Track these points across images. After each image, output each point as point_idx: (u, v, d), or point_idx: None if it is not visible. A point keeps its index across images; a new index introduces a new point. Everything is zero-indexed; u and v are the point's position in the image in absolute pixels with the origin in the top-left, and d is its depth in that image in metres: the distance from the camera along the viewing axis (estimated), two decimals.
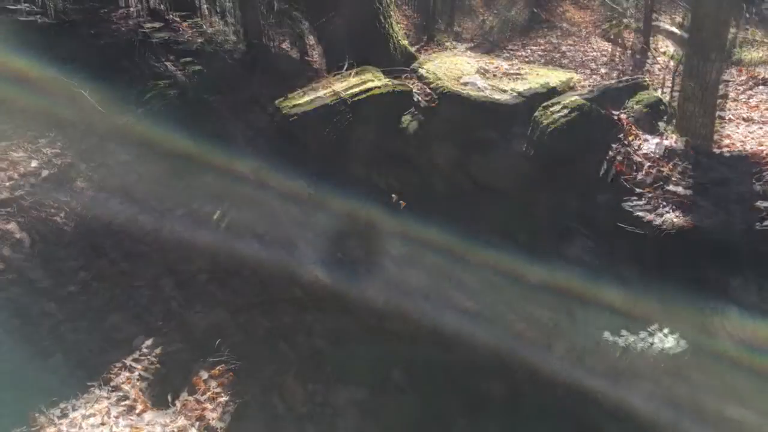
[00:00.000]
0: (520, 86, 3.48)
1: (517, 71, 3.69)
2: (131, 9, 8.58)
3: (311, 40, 12.36)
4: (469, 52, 4.46)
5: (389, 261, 4.00)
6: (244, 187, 4.82)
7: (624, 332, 2.55)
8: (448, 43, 15.01)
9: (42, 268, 4.44)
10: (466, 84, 3.58)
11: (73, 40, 7.84)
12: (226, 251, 4.37)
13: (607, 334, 2.59)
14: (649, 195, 2.73)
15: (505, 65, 3.83)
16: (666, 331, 2.43)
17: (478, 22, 17.62)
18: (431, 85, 3.74)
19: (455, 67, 3.86)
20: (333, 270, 4.05)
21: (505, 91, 3.43)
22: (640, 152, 2.98)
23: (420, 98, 4.14)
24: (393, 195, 4.30)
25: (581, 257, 2.95)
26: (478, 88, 3.53)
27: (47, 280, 4.33)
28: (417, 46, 13.58)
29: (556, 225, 3.19)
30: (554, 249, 3.16)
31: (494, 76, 3.67)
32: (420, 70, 3.94)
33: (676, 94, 4.93)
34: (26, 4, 10.75)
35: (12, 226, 4.85)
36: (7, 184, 5.57)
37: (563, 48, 12.89)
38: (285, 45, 11.35)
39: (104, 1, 10.73)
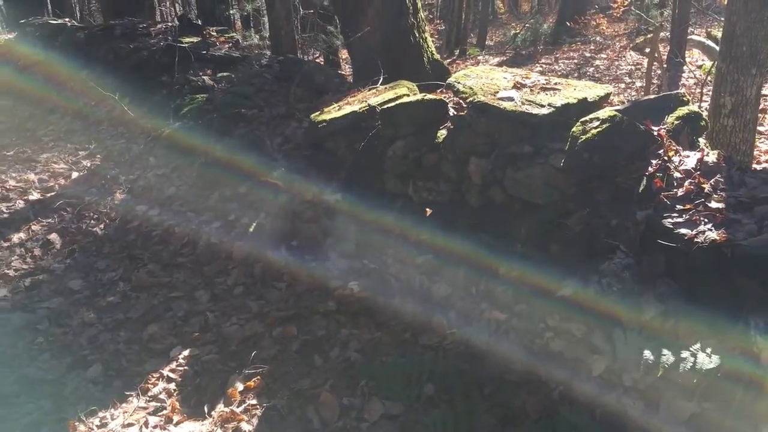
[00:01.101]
0: (557, 101, 3.46)
1: (554, 86, 3.67)
2: (169, 24, 8.79)
3: (344, 53, 12.51)
4: (506, 67, 4.45)
5: (421, 273, 4.00)
6: (278, 199, 4.87)
7: (665, 351, 2.51)
8: (479, 57, 15.07)
9: (82, 279, 4.54)
10: (502, 99, 3.56)
11: (113, 53, 8.05)
12: (262, 263, 4.41)
13: (647, 353, 2.55)
14: (690, 212, 2.69)
15: (541, 80, 3.80)
16: (708, 350, 2.38)
17: (509, 35, 17.65)
18: (467, 100, 3.74)
19: (492, 82, 3.85)
20: (366, 283, 4.06)
21: (542, 106, 3.41)
22: (680, 168, 2.93)
23: (455, 112, 4.14)
24: (426, 208, 4.30)
25: (618, 273, 2.90)
26: (515, 102, 3.51)
27: (87, 290, 4.43)
28: (449, 60, 13.67)
29: (592, 240, 3.15)
30: (590, 264, 3.11)
31: (531, 90, 3.65)
32: (456, 84, 3.93)
33: (713, 108, 4.88)
34: (68, 19, 11.06)
35: (53, 236, 4.97)
36: (48, 195, 5.72)
37: (596, 61, 12.88)
38: (318, 58, 11.48)
39: (143, 16, 11.00)
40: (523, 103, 3.50)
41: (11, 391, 3.42)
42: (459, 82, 3.96)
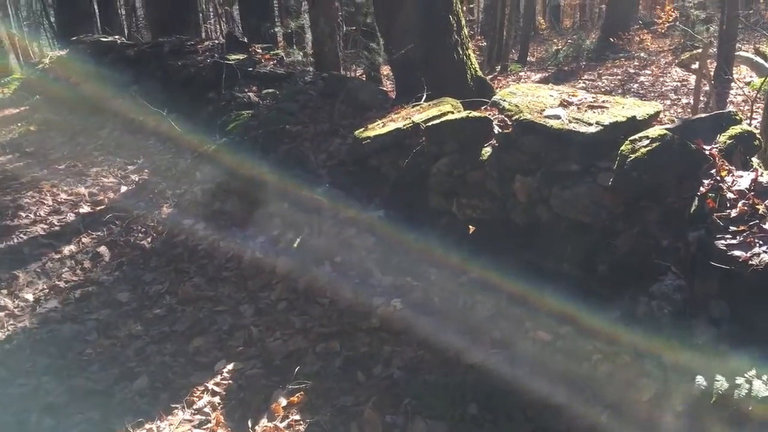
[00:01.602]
0: (605, 119, 3.42)
1: (602, 104, 3.63)
2: (216, 41, 8.97)
3: (385, 69, 12.56)
4: (552, 85, 4.42)
5: (464, 292, 3.98)
6: (321, 215, 4.90)
7: (718, 377, 2.44)
8: (521, 73, 15.01)
9: (129, 291, 4.63)
10: (549, 117, 3.54)
11: (161, 70, 8.23)
12: (305, 279, 4.44)
13: (699, 379, 2.48)
14: (744, 233, 2.62)
15: (589, 98, 3.77)
16: (764, 377, 2.31)
17: (551, 51, 17.55)
18: (513, 118, 3.72)
19: (537, 100, 3.83)
20: (409, 300, 4.05)
21: (589, 124, 3.38)
22: (733, 188, 2.87)
23: (500, 130, 4.13)
24: (469, 225, 4.29)
25: (670, 295, 2.85)
26: (562, 120, 3.48)
27: (134, 302, 4.50)
28: (490, 76, 13.63)
29: (641, 261, 3.10)
30: (639, 285, 3.06)
31: (578, 108, 3.62)
32: (501, 102, 3.92)
33: (765, 126, 4.77)
34: (117, 37, 11.35)
35: (102, 249, 5.08)
36: (98, 208, 5.85)
37: (641, 77, 12.71)
38: (360, 75, 11.56)
39: (189, 33, 11.22)
40: (570, 121, 3.47)
41: (61, 401, 3.49)
42: (504, 100, 3.95)
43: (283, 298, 4.37)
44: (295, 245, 4.73)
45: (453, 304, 3.93)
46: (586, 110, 3.60)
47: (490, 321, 3.71)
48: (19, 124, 9.39)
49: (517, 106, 3.80)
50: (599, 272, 3.27)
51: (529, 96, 3.96)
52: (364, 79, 11.08)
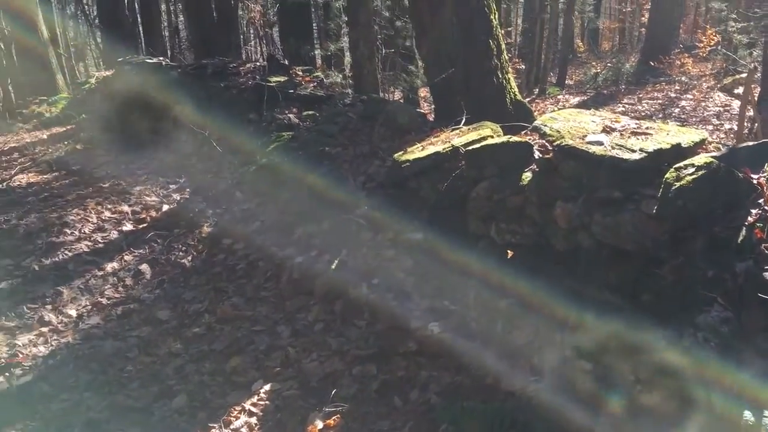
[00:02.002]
0: (649, 146, 3.38)
1: (646, 130, 3.59)
2: (258, 63, 9.12)
3: (423, 91, 12.62)
4: (594, 110, 4.39)
5: (503, 317, 3.94)
6: (360, 236, 4.92)
7: (767, 413, 2.37)
8: (560, 96, 14.93)
9: (170, 309, 4.69)
10: (591, 143, 3.51)
11: (204, 91, 8.39)
12: (342, 300, 4.45)
13: (747, 414, 2.42)
14: None
15: (632, 124, 3.73)
16: None
17: (590, 74, 17.43)
18: (554, 143, 3.70)
19: (579, 126, 3.80)
20: (447, 324, 4.03)
21: (633, 151, 3.34)
22: None
23: (541, 155, 4.11)
24: (508, 250, 4.26)
25: (716, 327, 2.78)
26: (604, 146, 3.45)
27: (174, 320, 4.56)
28: (528, 99, 13.58)
29: (686, 291, 3.04)
30: (684, 316, 3.00)
31: (621, 135, 3.58)
32: (542, 127, 3.90)
33: None
34: (162, 58, 11.62)
35: (144, 267, 5.16)
36: (141, 227, 5.95)
37: (682, 102, 12.54)
38: (398, 97, 11.63)
39: (231, 55, 11.43)
40: (612, 148, 3.44)
41: (102, 417, 3.55)
42: (545, 125, 3.93)
43: (321, 320, 4.38)
44: (333, 267, 4.75)
45: (491, 328, 3.90)
46: (629, 137, 3.56)
47: (530, 347, 3.67)
48: (66, 143, 9.64)
49: (558, 131, 3.78)
50: (643, 301, 3.21)
51: (570, 121, 3.93)
52: (401, 101, 11.15)
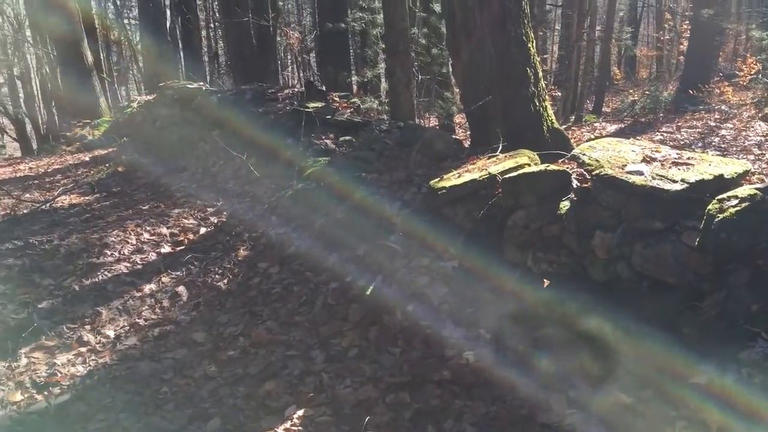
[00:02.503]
0: (690, 176, 3.33)
1: (687, 161, 3.54)
2: (295, 89, 9.25)
3: (458, 118, 12.65)
4: (633, 139, 4.36)
5: (539, 347, 3.89)
6: (395, 262, 4.92)
7: None
8: (596, 124, 14.82)
9: (205, 332, 4.72)
10: (631, 172, 3.48)
11: (243, 116, 8.53)
12: (377, 327, 4.44)
13: None
14: None
15: (673, 154, 3.69)
16: None
17: (627, 102, 17.29)
18: (593, 172, 3.67)
19: (619, 155, 3.77)
20: (482, 353, 3.99)
21: (674, 181, 3.29)
22: None
23: (579, 184, 4.08)
24: (544, 279, 4.22)
25: (760, 363, 2.72)
26: (644, 176, 3.41)
27: (209, 343, 4.59)
28: (564, 126, 13.51)
29: (729, 325, 2.98)
30: (727, 351, 2.93)
31: (662, 165, 3.54)
32: (581, 156, 3.88)
33: None
34: (202, 83, 11.87)
35: (181, 289, 5.21)
36: (178, 249, 6.03)
37: (722, 131, 12.32)
38: (433, 123, 11.68)
39: (269, 81, 11.62)
40: (653, 178, 3.40)
41: None
42: (584, 154, 3.91)
43: (355, 345, 4.37)
44: (368, 293, 4.74)
45: (527, 359, 3.85)
46: (670, 167, 3.52)
47: (566, 379, 3.61)
48: (107, 165, 9.86)
49: (597, 160, 3.75)
50: (684, 334, 3.15)
51: (609, 150, 3.90)
52: (437, 127, 11.19)
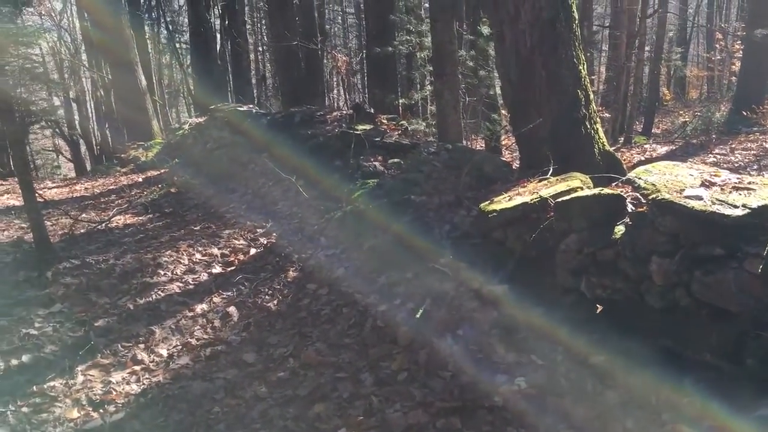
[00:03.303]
0: (752, 201, 3.24)
1: (748, 185, 3.45)
2: (344, 112, 9.35)
3: (505, 139, 12.59)
4: (691, 163, 4.28)
5: (593, 375, 3.82)
6: (443, 286, 4.90)
7: None
8: (646, 145, 14.58)
9: (255, 352, 4.75)
10: (689, 197, 3.41)
11: (292, 138, 8.65)
12: (426, 350, 4.41)
13: None
14: None
15: (733, 178, 3.60)
16: None
17: (677, 123, 16.98)
18: (650, 197, 3.60)
19: (676, 179, 3.70)
20: (534, 380, 3.93)
21: (735, 207, 3.21)
22: None
23: (634, 208, 4.01)
24: (597, 305, 4.14)
25: None
26: (704, 201, 3.34)
27: (260, 364, 4.62)
28: (613, 148, 13.31)
29: None
30: None
31: (721, 189, 3.46)
32: (637, 180, 3.82)
33: None
34: (251, 105, 12.08)
35: (232, 309, 5.27)
36: (229, 270, 6.12)
37: None
38: (480, 144, 11.65)
39: (316, 103, 11.76)
40: (713, 203, 3.32)
41: None
42: (640, 178, 3.85)
43: (404, 369, 4.34)
44: (417, 316, 4.73)
45: (581, 387, 3.78)
46: (730, 191, 3.43)
47: (622, 408, 3.52)
48: (160, 186, 10.09)
49: (653, 184, 3.69)
50: (748, 365, 3.05)
51: (666, 174, 3.83)
52: (483, 149, 11.16)
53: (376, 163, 6.91)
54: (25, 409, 4.11)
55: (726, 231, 3.26)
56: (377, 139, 7.40)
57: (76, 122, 31.16)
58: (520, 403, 3.77)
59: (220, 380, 4.44)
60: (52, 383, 4.39)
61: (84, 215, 8.64)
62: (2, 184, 12.77)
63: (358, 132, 7.43)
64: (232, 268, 6.26)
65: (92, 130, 30.77)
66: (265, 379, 4.43)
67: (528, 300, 4.45)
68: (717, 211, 3.26)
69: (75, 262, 6.41)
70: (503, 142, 13.01)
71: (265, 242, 6.88)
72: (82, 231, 7.78)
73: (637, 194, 3.95)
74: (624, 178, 4.16)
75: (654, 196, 3.60)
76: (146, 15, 24.42)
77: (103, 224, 7.89)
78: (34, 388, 4.33)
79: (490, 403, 3.82)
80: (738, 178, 3.61)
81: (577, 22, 6.02)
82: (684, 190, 3.55)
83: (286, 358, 4.67)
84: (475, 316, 4.57)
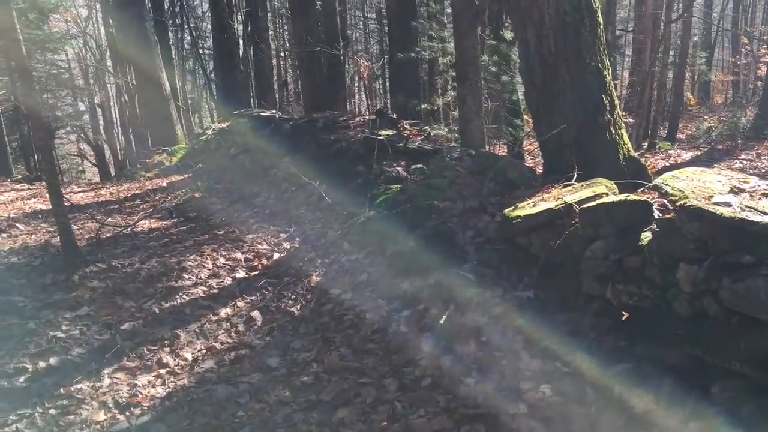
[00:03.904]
0: None
1: None
2: (367, 117, 9.38)
3: (527, 144, 12.55)
4: (719, 169, 4.23)
5: (619, 382, 3.78)
6: (467, 292, 4.88)
7: None
8: (671, 151, 14.45)
9: (279, 357, 4.77)
10: (718, 203, 3.37)
11: (314, 143, 8.69)
12: (450, 356, 4.40)
13: None
14: None
15: (762, 184, 3.56)
16: None
17: (702, 129, 16.81)
18: (677, 203, 3.57)
19: (704, 185, 3.67)
20: (559, 387, 3.90)
21: (765, 213, 3.17)
22: None
23: (660, 215, 3.98)
24: (623, 312, 4.10)
25: None
26: (733, 208, 3.30)
27: (283, 368, 4.63)
28: (637, 153, 13.19)
29: None
30: None
31: (751, 196, 3.42)
32: (664, 186, 3.79)
33: None
34: (275, 111, 12.15)
35: (255, 313, 5.30)
36: (252, 274, 6.15)
37: None
38: (501, 150, 11.61)
39: (337, 109, 11.80)
40: (742, 209, 3.28)
41: None
42: (667, 184, 3.82)
43: (428, 375, 4.33)
44: (441, 321, 4.72)
45: (607, 394, 3.74)
46: (760, 198, 3.40)
47: (648, 417, 3.49)
48: (184, 191, 10.18)
49: (681, 191, 3.65)
50: None
51: (694, 180, 3.80)
52: (505, 154, 11.13)
53: (399, 169, 6.92)
54: (52, 411, 4.16)
55: (756, 238, 3.22)
56: (400, 144, 7.41)
57: (101, 127, 31.62)
58: (545, 410, 3.74)
59: (245, 384, 4.46)
60: (79, 385, 4.44)
61: (110, 219, 8.75)
62: (29, 189, 12.96)
63: (381, 137, 7.44)
64: (256, 272, 6.30)
65: (116, 135, 31.17)
66: (289, 384, 4.44)
67: (552, 306, 4.43)
68: (746, 218, 3.22)
69: (101, 266, 6.48)
70: (526, 148, 12.96)
71: (288, 247, 6.91)
72: (108, 235, 7.88)
73: (664, 200, 3.92)
74: (651, 184, 4.12)
75: (682, 202, 3.56)
76: (170, 21, 24.72)
77: (129, 228, 7.98)
78: (62, 390, 4.38)
79: (514, 410, 3.80)
80: None
81: (602, 26, 5.99)
82: (712, 196, 3.51)
83: (310, 363, 4.68)
84: (499, 322, 4.55)
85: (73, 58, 29.91)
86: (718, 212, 3.33)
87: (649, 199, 4.18)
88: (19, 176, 15.65)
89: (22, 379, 4.55)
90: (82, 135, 31.70)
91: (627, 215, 4.11)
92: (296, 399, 4.25)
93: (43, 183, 12.00)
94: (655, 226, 3.91)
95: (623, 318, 4.09)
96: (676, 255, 3.61)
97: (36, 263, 6.80)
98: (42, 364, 4.72)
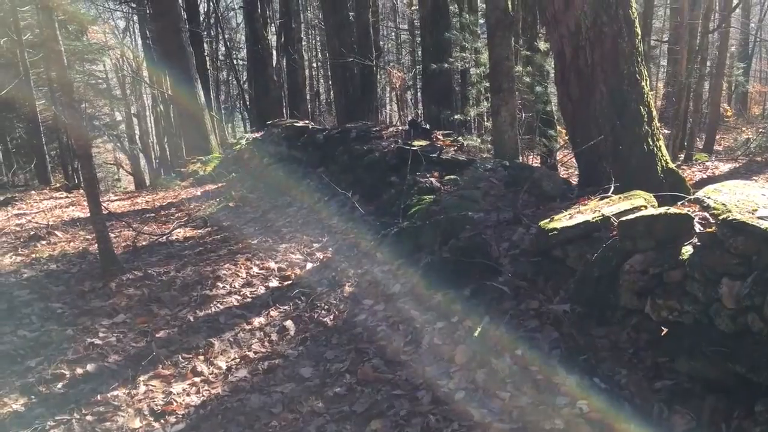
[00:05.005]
0: None
1: None
2: (400, 128, 9.38)
3: (561, 155, 12.44)
4: (766, 184, 4.14)
5: (659, 399, 3.70)
6: (502, 304, 4.83)
7: None
8: (708, 163, 14.19)
9: (312, 367, 4.77)
10: (763, 218, 3.29)
11: (347, 154, 8.72)
12: (485, 370, 4.35)
13: None
14: None
15: None
16: None
17: (740, 140, 16.50)
18: (720, 217, 3.49)
19: (747, 199, 3.58)
20: (596, 403, 3.83)
21: None
22: None
23: (701, 228, 3.90)
24: (663, 327, 4.02)
25: None
26: None
27: (316, 378, 4.63)
28: (674, 165, 12.97)
29: None
30: None
31: None
32: (706, 199, 3.71)
33: None
34: (308, 121, 12.23)
35: (288, 323, 5.32)
36: (286, 283, 6.17)
37: None
38: (535, 161, 11.53)
39: (369, 119, 11.83)
40: None
41: None
42: (709, 197, 3.74)
43: (462, 388, 4.29)
44: (475, 334, 4.67)
45: (646, 411, 3.66)
46: None
47: None
48: (218, 200, 10.28)
49: (724, 204, 3.57)
50: None
51: (737, 194, 3.71)
52: (539, 164, 11.05)
53: (432, 180, 6.90)
54: (89, 418, 4.21)
55: None
56: (433, 155, 7.39)
57: (137, 136, 32.16)
58: (582, 427, 3.68)
59: (278, 394, 4.46)
60: (115, 392, 4.49)
61: (146, 228, 8.87)
62: (68, 197, 13.21)
63: (414, 148, 7.43)
64: (289, 282, 6.32)
65: (152, 144, 31.70)
66: (322, 395, 4.43)
67: (589, 320, 4.36)
68: None
69: (137, 274, 6.57)
70: (559, 158, 12.85)
71: (322, 257, 6.93)
72: (144, 243, 7.98)
73: (706, 214, 3.84)
74: (692, 197, 4.04)
75: (725, 216, 3.48)
76: (205, 32, 25.07)
77: (164, 237, 8.07)
78: (98, 396, 4.43)
79: (551, 426, 3.74)
80: None
81: (639, 37, 5.92)
82: (756, 210, 3.43)
83: (343, 374, 4.67)
84: (534, 335, 4.50)
85: (110, 68, 30.55)
86: (762, 227, 3.25)
87: (689, 212, 4.09)
88: (58, 184, 15.95)
89: (60, 385, 4.62)
90: (118, 144, 32.28)
91: (667, 229, 4.03)
92: (329, 410, 4.24)
93: (81, 191, 12.24)
94: (696, 240, 3.83)
95: (663, 333, 4.01)
96: (719, 270, 3.53)
97: (74, 270, 6.91)
98: (79, 371, 4.79)
